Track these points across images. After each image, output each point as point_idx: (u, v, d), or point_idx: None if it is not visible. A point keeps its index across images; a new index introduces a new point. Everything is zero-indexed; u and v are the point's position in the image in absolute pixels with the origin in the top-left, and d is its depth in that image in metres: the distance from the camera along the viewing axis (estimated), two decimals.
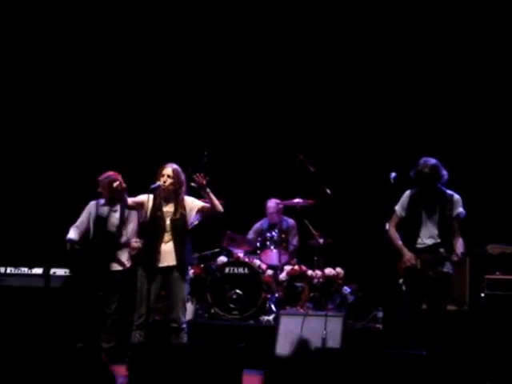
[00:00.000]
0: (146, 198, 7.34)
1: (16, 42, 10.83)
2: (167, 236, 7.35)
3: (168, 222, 7.35)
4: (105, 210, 8.53)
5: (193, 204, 7.43)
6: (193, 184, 7.29)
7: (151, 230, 7.32)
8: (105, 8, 10.89)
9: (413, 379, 5.32)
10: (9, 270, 9.22)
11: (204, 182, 7.22)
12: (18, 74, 10.90)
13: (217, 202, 7.37)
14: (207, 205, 7.42)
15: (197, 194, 7.55)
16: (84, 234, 8.63)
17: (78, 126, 10.95)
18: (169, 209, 7.39)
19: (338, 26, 10.60)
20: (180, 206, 7.37)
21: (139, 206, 7.51)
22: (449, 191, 7.28)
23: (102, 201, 8.55)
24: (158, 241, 7.31)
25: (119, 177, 8.30)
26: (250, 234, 10.23)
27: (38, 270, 9.21)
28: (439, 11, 10.20)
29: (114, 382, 3.43)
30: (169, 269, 7.31)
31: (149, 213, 7.35)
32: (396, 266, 7.32)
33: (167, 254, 7.31)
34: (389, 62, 10.46)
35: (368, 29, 10.49)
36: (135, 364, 5.68)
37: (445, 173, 7.17)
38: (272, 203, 10.09)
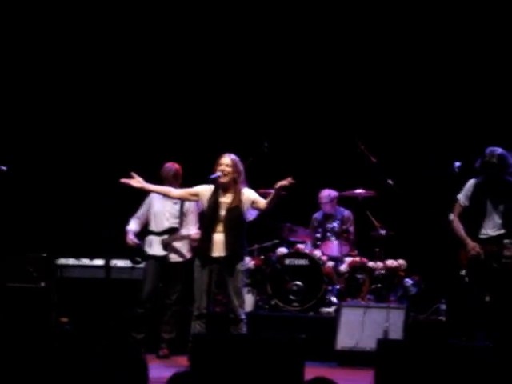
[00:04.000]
0: (203, 189, 7.39)
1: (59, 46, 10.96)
2: (220, 226, 7.32)
3: (223, 212, 7.31)
4: (165, 201, 8.55)
5: (248, 196, 7.38)
6: (284, 183, 7.09)
7: (207, 219, 7.36)
8: None
9: (478, 372, 5.21)
10: (70, 261, 9.33)
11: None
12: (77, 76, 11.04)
13: (273, 203, 7.28)
14: (260, 200, 7.35)
15: (254, 186, 7.56)
16: (144, 225, 8.68)
17: (137, 117, 11.00)
18: (226, 199, 7.35)
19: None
20: (237, 196, 7.33)
21: (194, 197, 7.53)
22: None
23: None
24: (211, 230, 7.30)
25: (177, 166, 8.40)
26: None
27: (99, 261, 9.30)
28: None
29: (146, 370, 3.37)
30: (221, 259, 7.30)
31: (206, 203, 7.37)
32: (459, 256, 7.23)
33: (219, 244, 7.29)
34: (452, 50, 10.27)
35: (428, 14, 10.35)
36: (196, 355, 5.67)
37: None
38: (324, 193, 9.96)
